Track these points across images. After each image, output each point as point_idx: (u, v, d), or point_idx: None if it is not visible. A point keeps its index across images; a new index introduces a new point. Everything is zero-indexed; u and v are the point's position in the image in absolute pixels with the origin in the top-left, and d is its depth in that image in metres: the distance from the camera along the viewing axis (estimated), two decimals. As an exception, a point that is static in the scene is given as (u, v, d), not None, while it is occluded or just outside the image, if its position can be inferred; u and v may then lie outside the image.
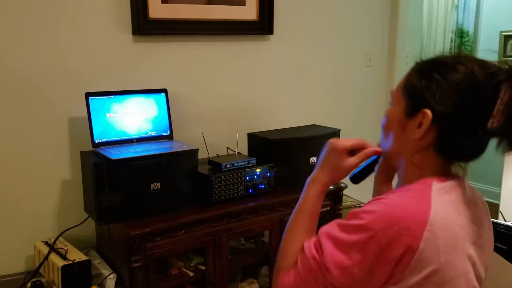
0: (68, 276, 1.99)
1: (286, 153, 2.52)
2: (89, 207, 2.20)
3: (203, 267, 2.32)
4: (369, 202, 0.96)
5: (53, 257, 2.05)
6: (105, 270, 2.17)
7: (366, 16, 3.41)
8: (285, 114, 3.06)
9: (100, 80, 2.37)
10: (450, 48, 4.77)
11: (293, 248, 1.05)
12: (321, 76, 3.23)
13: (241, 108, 2.88)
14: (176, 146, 2.26)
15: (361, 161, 1.11)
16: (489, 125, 0.89)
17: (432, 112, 0.93)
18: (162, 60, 2.55)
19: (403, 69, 3.65)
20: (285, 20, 2.95)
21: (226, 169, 2.31)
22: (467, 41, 4.72)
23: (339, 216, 2.74)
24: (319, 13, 3.13)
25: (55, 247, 2.12)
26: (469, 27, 4.72)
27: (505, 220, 2.54)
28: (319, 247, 0.97)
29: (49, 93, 2.27)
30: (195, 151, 2.24)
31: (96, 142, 2.18)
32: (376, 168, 1.22)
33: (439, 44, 4.80)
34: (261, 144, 2.55)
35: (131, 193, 2.06)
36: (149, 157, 2.09)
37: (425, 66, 0.99)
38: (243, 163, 2.37)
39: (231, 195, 2.33)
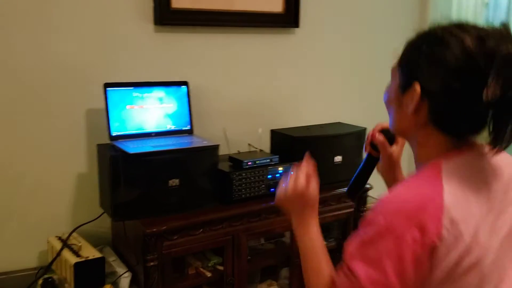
0: (81, 274, 1.91)
1: (310, 152, 2.40)
2: (104, 202, 2.12)
3: (221, 268, 2.23)
4: (381, 200, 0.89)
5: (66, 254, 1.98)
6: (120, 268, 2.09)
7: (396, 12, 3.28)
8: (309, 111, 2.95)
9: (119, 71, 2.29)
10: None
11: (326, 277, 1.01)
12: (347, 73, 3.11)
13: (264, 103, 2.77)
14: (196, 142, 2.17)
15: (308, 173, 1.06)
16: (484, 97, 0.81)
17: (420, 86, 0.88)
18: (183, 51, 2.46)
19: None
20: (312, 14, 2.84)
21: (247, 166, 2.21)
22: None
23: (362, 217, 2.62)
24: (348, 7, 3.01)
25: (69, 243, 2.05)
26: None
27: None
28: (349, 274, 0.91)
29: (66, 84, 2.20)
30: (216, 147, 2.14)
31: (113, 135, 2.10)
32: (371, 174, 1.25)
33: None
34: (285, 142, 2.45)
35: (148, 189, 1.97)
36: (168, 152, 2.01)
37: (414, 41, 0.94)
38: (265, 160, 2.27)
39: (252, 194, 2.23)
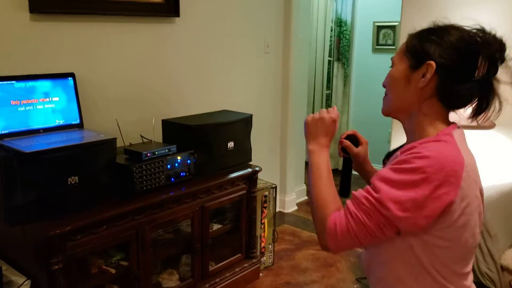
0: (-24, 288, 1.74)
1: (206, 139, 2.47)
2: (-6, 207, 1.93)
3: (125, 263, 2.19)
4: (411, 151, 1.08)
5: (-46, 268, 1.77)
6: (16, 277, 1.93)
7: (265, 6, 3.47)
8: (192, 100, 2.99)
9: (-6, 64, 2.08)
10: (331, 36, 5.05)
11: (331, 198, 1.16)
12: (225, 63, 3.21)
13: (149, 94, 2.74)
14: (91, 136, 2.08)
15: (336, 115, 1.26)
16: (475, 74, 1.10)
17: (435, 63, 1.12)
18: (63, 42, 2.31)
19: (297, 56, 3.79)
20: (191, 4, 2.87)
21: (146, 158, 2.19)
22: (345, 30, 5.03)
23: (254, 198, 2.77)
24: (223, 1, 3.10)
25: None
26: (347, 17, 5.02)
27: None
28: (371, 189, 1.08)
29: None
30: (113, 140, 2.07)
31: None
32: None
33: (320, 32, 5.06)
34: (178, 131, 2.46)
35: (46, 189, 1.84)
36: (66, 149, 1.89)
37: (422, 33, 1.18)
38: (163, 151, 2.27)
39: (153, 185, 2.22)
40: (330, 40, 5.10)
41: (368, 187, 1.10)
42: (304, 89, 4.11)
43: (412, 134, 1.20)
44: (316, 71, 5.10)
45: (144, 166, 2.16)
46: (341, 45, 5.06)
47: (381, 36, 4.94)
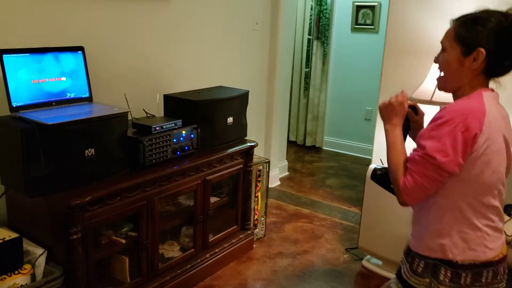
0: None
1: (208, 114, 2.53)
2: (11, 178, 1.95)
3: (133, 234, 2.25)
4: (443, 109, 1.34)
5: (-26, 239, 1.80)
6: (31, 247, 1.97)
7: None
8: (186, 76, 3.03)
9: (2, 38, 2.05)
10: (311, 15, 5.14)
11: (401, 164, 1.40)
12: (216, 40, 3.25)
13: (148, 70, 2.76)
14: (105, 109, 2.11)
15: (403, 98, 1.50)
16: None
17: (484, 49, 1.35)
18: (65, 16, 2.30)
19: (283, 33, 3.87)
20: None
21: (155, 131, 2.24)
22: (325, 9, 5.12)
23: (250, 172, 2.87)
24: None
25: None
26: (327, -4, 5.13)
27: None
28: (419, 149, 1.35)
29: None
30: (126, 114, 2.12)
31: (14, 106, 1.93)
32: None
33: (300, 11, 5.14)
34: (181, 106, 2.51)
35: (66, 161, 1.88)
36: (86, 121, 1.94)
37: (467, 22, 1.39)
38: (171, 125, 2.32)
39: (161, 158, 2.28)
40: (310, 19, 5.19)
41: (416, 147, 1.38)
42: (289, 66, 4.20)
43: (457, 99, 1.44)
44: (296, 49, 5.18)
45: (154, 140, 2.22)
46: (320, 23, 5.15)
47: (360, 15, 5.06)
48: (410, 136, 1.63)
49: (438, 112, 1.37)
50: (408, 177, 1.36)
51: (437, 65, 1.48)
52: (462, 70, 1.40)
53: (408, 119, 1.58)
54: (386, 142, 1.48)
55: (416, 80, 2.89)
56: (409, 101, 1.56)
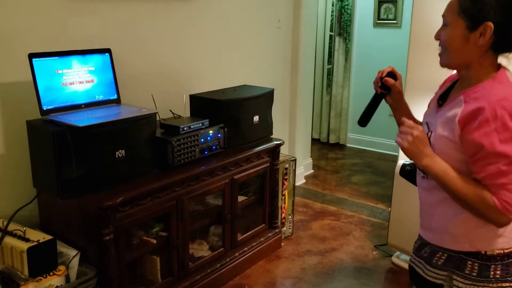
0: (34, 259, 1.80)
1: (235, 114, 2.53)
2: (44, 181, 1.97)
3: (164, 233, 2.27)
4: (479, 100, 1.23)
5: (10, 241, 1.83)
6: (64, 249, 1.99)
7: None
8: (208, 76, 3.03)
9: (30, 41, 2.08)
10: (332, 11, 5.10)
11: (476, 188, 1.25)
12: (239, 39, 3.25)
13: (172, 70, 2.77)
14: (133, 111, 2.12)
15: (418, 128, 1.32)
16: None
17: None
18: (90, 19, 2.33)
19: (305, 29, 3.84)
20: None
21: (183, 132, 2.25)
22: (347, 5, 5.08)
23: (276, 170, 2.86)
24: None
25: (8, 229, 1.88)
26: (348, -8, 5.09)
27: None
28: (496, 158, 1.21)
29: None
30: (154, 115, 2.13)
31: (44, 109, 1.95)
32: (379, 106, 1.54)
33: (321, 7, 5.10)
34: (207, 106, 2.51)
35: (97, 162, 1.90)
36: (116, 123, 1.95)
37: None
38: (198, 125, 2.33)
39: (189, 158, 2.28)
40: (332, 15, 5.15)
41: (488, 161, 1.22)
42: (311, 63, 4.18)
43: (468, 80, 1.32)
44: (317, 46, 5.15)
45: (182, 140, 2.22)
46: (342, 19, 5.11)
47: (382, 10, 5.00)
48: (387, 101, 1.56)
49: (471, 103, 1.24)
50: (504, 193, 1.21)
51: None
52: (467, 46, 1.27)
53: (388, 88, 1.51)
54: (435, 178, 1.30)
55: (442, 75, 2.82)
56: (385, 70, 1.50)
